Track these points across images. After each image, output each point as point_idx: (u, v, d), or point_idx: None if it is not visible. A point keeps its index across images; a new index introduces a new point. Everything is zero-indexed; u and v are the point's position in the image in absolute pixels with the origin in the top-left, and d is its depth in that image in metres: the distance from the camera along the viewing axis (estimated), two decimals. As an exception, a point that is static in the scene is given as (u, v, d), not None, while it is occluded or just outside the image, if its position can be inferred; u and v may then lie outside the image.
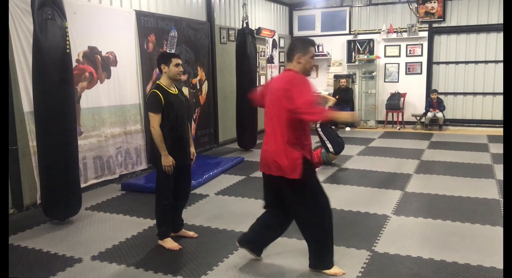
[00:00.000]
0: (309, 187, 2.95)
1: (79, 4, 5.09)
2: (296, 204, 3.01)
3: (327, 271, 3.06)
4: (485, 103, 9.74)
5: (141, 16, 6.00)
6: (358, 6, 10.57)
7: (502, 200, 4.52)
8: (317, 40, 10.80)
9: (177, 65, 3.48)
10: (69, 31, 4.02)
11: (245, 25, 7.48)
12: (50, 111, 3.91)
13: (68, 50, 3.98)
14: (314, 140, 8.14)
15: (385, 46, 10.38)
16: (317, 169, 3.16)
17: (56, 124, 3.94)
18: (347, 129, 10.10)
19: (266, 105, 3.03)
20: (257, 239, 3.26)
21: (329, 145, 6.26)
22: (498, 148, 7.39)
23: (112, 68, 5.56)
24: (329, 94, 10.30)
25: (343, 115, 3.21)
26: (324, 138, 6.26)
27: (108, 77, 5.52)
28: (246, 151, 7.63)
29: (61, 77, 3.92)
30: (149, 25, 6.14)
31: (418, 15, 9.82)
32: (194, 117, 7.32)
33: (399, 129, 9.97)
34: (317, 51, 10.85)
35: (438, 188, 5.17)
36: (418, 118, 10.03)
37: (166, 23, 6.49)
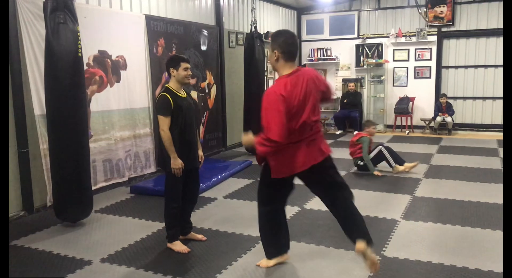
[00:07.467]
0: None
1: (90, 9, 5.14)
2: (336, 174, 3.05)
3: None
4: (494, 108, 9.66)
5: (150, 20, 6.05)
6: (367, 10, 10.56)
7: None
8: (325, 44, 10.87)
9: (186, 69, 3.51)
10: (79, 35, 4.07)
11: (253, 29, 7.51)
12: (62, 114, 3.95)
13: (79, 54, 4.02)
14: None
15: (393, 50, 10.35)
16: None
17: (68, 127, 3.98)
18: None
19: (307, 101, 2.87)
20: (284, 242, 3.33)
21: (366, 159, 6.11)
22: (508, 153, 7.31)
23: (122, 71, 5.61)
24: (337, 98, 10.33)
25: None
26: (374, 154, 6.16)
27: (118, 80, 5.57)
28: (254, 155, 7.62)
29: (73, 80, 3.96)
30: (158, 30, 6.19)
31: (427, 19, 9.79)
32: (203, 120, 7.35)
33: (408, 134, 9.92)
34: (325, 55, 10.88)
35: (448, 193, 5.13)
36: (427, 122, 9.97)
37: (175, 27, 6.54)
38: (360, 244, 2.82)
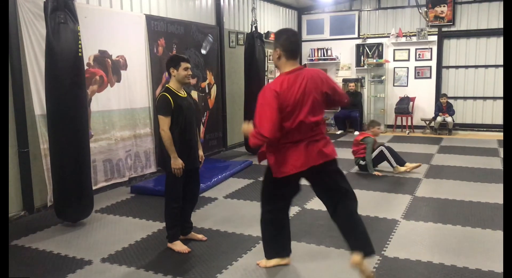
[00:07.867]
0: None
1: (90, 9, 5.14)
2: (341, 179, 2.98)
3: None
4: (495, 108, 9.66)
5: (151, 20, 6.05)
6: (367, 10, 10.56)
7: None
8: (326, 44, 10.87)
9: (186, 68, 3.51)
10: (80, 35, 4.06)
11: (254, 29, 7.51)
12: (63, 114, 3.95)
13: (80, 54, 4.02)
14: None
15: (394, 50, 10.35)
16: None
17: (68, 127, 3.98)
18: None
19: (307, 99, 2.82)
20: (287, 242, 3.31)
21: (368, 158, 6.14)
22: (508, 153, 7.30)
23: (122, 71, 5.61)
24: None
25: None
26: (375, 154, 6.15)
27: (118, 80, 5.57)
28: (254, 155, 7.62)
29: (73, 80, 3.96)
30: (159, 29, 6.19)
31: (427, 19, 9.79)
32: (203, 120, 7.35)
33: (408, 134, 9.92)
34: (326, 55, 10.87)
35: (448, 193, 5.13)
36: (427, 122, 9.97)
37: (175, 27, 6.53)
38: (356, 257, 2.80)
